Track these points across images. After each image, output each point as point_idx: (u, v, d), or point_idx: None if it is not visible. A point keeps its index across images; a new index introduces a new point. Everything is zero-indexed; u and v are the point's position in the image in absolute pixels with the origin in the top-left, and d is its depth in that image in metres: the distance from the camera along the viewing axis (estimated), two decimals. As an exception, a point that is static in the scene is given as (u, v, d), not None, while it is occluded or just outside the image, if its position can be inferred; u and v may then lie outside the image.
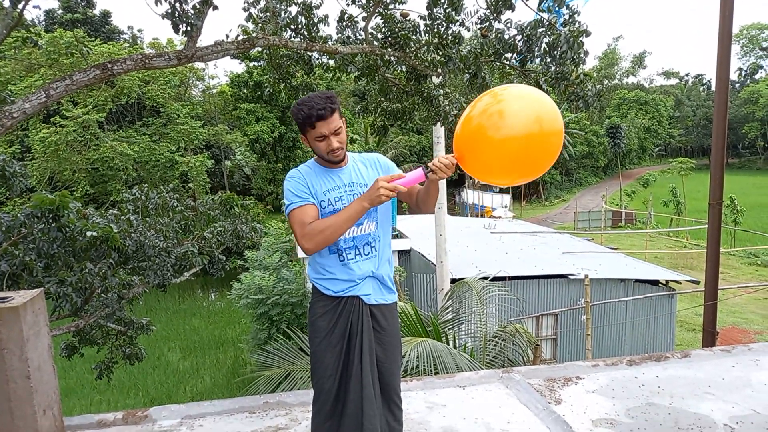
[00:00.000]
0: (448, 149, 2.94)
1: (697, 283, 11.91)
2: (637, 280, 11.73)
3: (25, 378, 2.46)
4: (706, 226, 6.92)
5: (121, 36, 33.17)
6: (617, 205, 39.91)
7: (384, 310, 2.42)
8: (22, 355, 2.45)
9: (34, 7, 5.12)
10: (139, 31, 39.49)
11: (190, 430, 2.96)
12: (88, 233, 4.84)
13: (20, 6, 4.37)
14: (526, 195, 43.34)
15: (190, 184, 23.73)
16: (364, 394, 2.32)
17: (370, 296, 2.39)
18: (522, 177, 2.24)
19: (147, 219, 6.71)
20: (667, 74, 78.90)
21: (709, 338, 6.71)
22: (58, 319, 6.08)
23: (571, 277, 11.20)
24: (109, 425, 3.02)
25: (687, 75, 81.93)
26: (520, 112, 2.09)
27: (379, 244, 2.43)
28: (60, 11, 30.24)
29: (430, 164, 2.16)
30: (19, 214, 5.04)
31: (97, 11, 31.68)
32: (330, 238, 2.22)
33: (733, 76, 65.82)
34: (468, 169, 2.21)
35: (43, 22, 29.79)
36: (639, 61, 67.48)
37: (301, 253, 12.44)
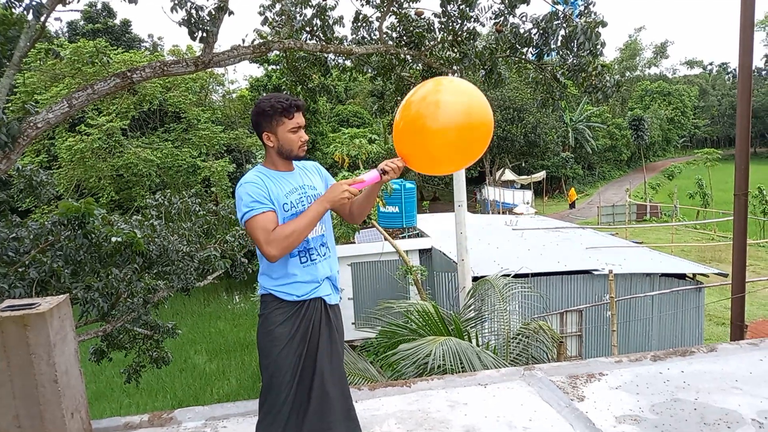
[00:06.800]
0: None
1: (726, 275, 11.65)
2: (663, 274, 11.51)
3: (53, 382, 2.53)
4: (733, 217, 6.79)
5: (142, 44, 33.64)
6: (641, 198, 39.24)
7: (336, 310, 2.49)
8: (50, 360, 2.51)
9: (56, 19, 5.25)
10: (159, 39, 40.07)
11: None
12: (113, 239, 4.94)
13: (42, 18, 4.48)
14: (547, 191, 42.83)
15: (213, 189, 23.97)
16: (327, 389, 2.31)
17: (330, 296, 2.45)
18: (456, 164, 2.49)
19: (170, 224, 6.82)
20: (691, 63, 77.22)
21: (738, 332, 6.58)
22: (86, 324, 6.21)
23: (595, 273, 11.06)
24: (135, 427, 3.08)
25: (711, 64, 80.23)
26: (451, 105, 2.32)
27: (330, 244, 2.51)
28: (82, 22, 30.80)
29: (382, 165, 2.32)
30: (46, 222, 5.17)
31: (117, 21, 32.19)
32: (295, 243, 2.24)
33: (759, 63, 63.94)
34: (413, 164, 2.42)
35: (67, 33, 30.40)
36: (661, 51, 65.98)
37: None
